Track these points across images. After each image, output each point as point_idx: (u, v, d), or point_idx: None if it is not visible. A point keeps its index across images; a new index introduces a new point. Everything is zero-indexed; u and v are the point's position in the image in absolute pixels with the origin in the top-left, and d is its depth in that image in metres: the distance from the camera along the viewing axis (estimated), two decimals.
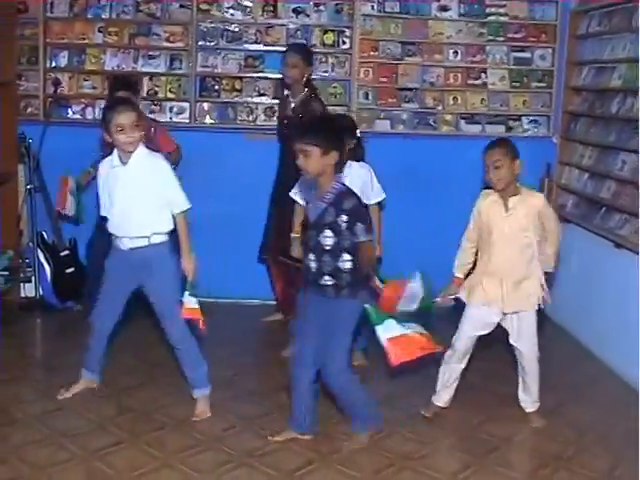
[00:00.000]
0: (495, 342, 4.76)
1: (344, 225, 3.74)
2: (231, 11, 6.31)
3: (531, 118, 6.46)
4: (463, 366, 4.39)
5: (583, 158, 5.88)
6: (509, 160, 4.08)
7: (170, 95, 6.34)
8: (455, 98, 6.42)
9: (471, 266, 4.37)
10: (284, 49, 5.74)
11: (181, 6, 6.28)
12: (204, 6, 6.27)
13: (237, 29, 6.34)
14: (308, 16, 6.34)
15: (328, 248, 3.77)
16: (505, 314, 4.26)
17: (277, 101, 6.12)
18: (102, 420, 4.22)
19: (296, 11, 6.33)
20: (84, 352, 4.57)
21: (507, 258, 4.16)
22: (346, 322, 3.86)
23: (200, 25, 6.29)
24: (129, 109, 4.13)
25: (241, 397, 4.59)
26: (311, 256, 3.83)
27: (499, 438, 4.20)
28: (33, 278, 6.02)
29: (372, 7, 6.31)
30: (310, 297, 3.90)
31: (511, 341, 4.33)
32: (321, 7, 6.33)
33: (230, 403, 4.50)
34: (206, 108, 6.39)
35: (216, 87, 6.38)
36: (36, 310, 5.96)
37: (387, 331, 3.77)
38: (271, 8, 6.31)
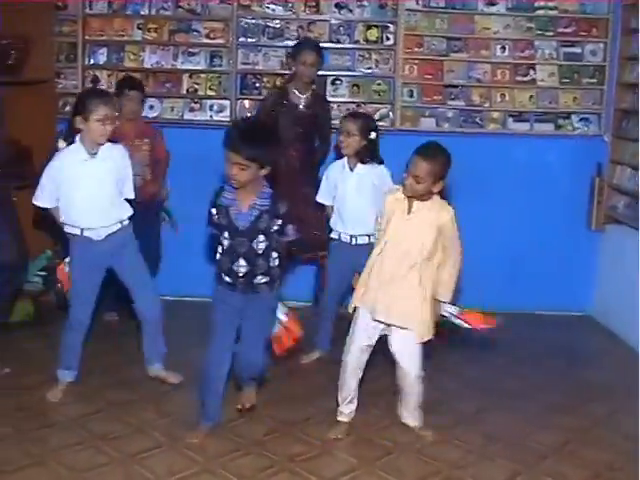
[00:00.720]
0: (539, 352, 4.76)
1: (276, 228, 3.90)
2: (272, 7, 6.31)
3: (581, 116, 6.38)
4: None
5: (636, 157, 5.81)
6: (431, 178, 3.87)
7: (210, 93, 6.35)
8: (502, 95, 6.37)
9: None
10: (296, 44, 5.79)
11: (221, 2, 6.29)
12: (245, 2, 6.28)
13: (278, 25, 6.34)
14: (351, 11, 6.32)
15: (261, 252, 3.91)
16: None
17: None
18: (141, 423, 4.24)
19: (339, 6, 6.31)
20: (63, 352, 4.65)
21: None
22: (272, 313, 4.13)
23: (241, 21, 6.30)
24: (113, 102, 4.33)
25: (281, 401, 4.59)
26: (242, 262, 3.91)
27: (548, 447, 4.15)
28: None
29: (417, 2, 6.26)
30: (236, 296, 3.99)
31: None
32: (364, 2, 6.30)
33: (270, 407, 4.50)
34: (247, 106, 6.38)
35: (257, 84, 6.39)
36: None
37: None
38: (313, 3, 6.30)
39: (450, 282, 4.03)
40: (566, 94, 6.39)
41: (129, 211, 4.51)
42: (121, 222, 4.46)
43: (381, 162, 4.90)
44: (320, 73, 5.87)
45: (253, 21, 6.33)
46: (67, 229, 4.41)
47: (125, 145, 5.48)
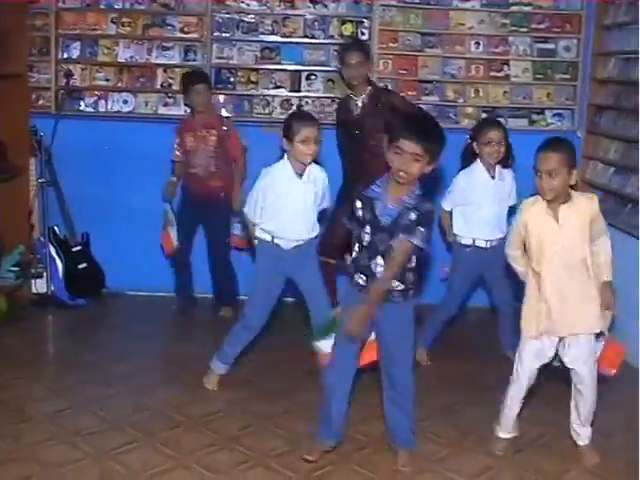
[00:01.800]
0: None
1: (408, 223, 3.59)
2: (247, 1, 6.30)
3: (555, 111, 6.44)
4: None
5: (609, 152, 5.87)
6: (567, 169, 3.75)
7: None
8: (477, 91, 6.41)
9: None
10: (340, 48, 5.73)
11: None
12: None
13: (253, 20, 6.34)
14: (326, 6, 6.33)
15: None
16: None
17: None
18: (116, 419, 4.24)
19: (313, 1, 6.32)
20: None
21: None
22: (409, 325, 3.82)
23: (215, 16, 6.30)
24: (315, 123, 4.43)
25: (257, 396, 4.61)
26: (379, 260, 3.66)
27: (523, 439, 4.18)
28: (45, 274, 6.05)
29: None
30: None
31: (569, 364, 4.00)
32: None
33: (245, 402, 4.52)
34: (221, 101, 6.39)
35: (231, 79, 6.39)
36: (47, 306, 6.00)
37: None
38: None
39: (608, 263, 3.95)
40: (540, 90, 6.44)
41: (317, 231, 4.73)
42: (310, 238, 4.67)
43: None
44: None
45: (227, 16, 6.32)
46: (259, 234, 4.62)
47: (192, 136, 5.57)
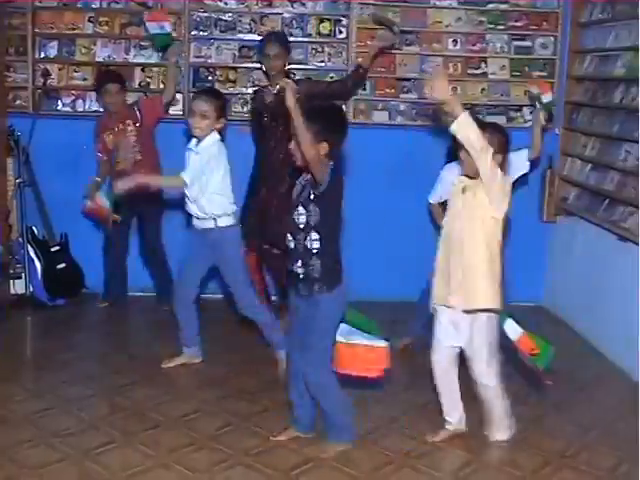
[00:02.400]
0: None
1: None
2: (225, 0, 6.30)
3: (532, 109, 6.44)
4: None
5: (586, 149, 5.88)
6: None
7: (162, 86, 6.28)
8: (454, 88, 6.38)
9: None
10: (261, 39, 5.74)
11: None
12: None
13: (231, 18, 6.32)
14: (304, 5, 6.33)
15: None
16: None
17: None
18: (94, 419, 4.22)
19: (292, 0, 6.32)
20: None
21: None
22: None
23: (193, 14, 6.28)
24: (206, 98, 4.66)
25: (235, 395, 4.59)
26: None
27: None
28: (23, 274, 6.02)
29: None
30: None
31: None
32: None
33: (224, 401, 4.50)
34: None
35: (210, 78, 6.38)
36: (26, 307, 5.96)
37: (341, 334, 3.83)
38: None
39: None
40: (517, 87, 6.45)
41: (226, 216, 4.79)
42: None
43: None
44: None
45: (205, 14, 6.31)
46: None
47: (111, 134, 5.60)
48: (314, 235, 3.69)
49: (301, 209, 3.70)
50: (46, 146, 5.99)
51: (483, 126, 3.89)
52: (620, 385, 4.95)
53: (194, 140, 4.69)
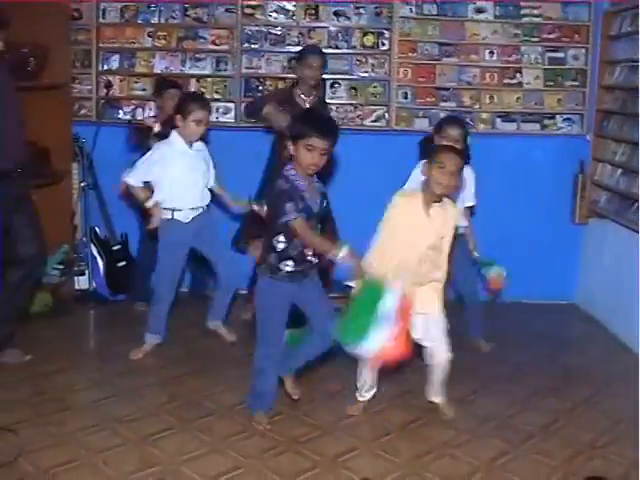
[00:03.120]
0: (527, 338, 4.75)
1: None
2: (274, 14, 6.32)
3: (565, 116, 6.39)
4: None
5: (616, 155, 5.83)
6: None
7: (216, 96, 6.34)
8: (491, 97, 6.38)
9: None
10: (302, 49, 5.74)
11: (227, 10, 6.30)
12: (249, 10, 6.29)
13: (280, 32, 6.35)
14: (349, 18, 6.33)
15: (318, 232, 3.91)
16: None
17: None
18: (154, 407, 4.26)
19: (337, 14, 6.32)
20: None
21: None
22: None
23: (245, 28, 6.31)
24: (208, 107, 4.91)
25: (283, 386, 4.61)
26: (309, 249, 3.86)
27: (535, 427, 4.17)
28: (87, 271, 6.09)
29: (410, 9, 6.27)
30: (294, 285, 3.92)
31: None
32: (361, 10, 6.31)
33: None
34: None
35: (260, 88, 6.40)
36: (89, 302, 6.03)
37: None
38: (313, 11, 6.32)
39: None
40: (550, 96, 6.39)
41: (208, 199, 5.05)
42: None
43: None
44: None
45: (256, 28, 6.33)
46: (162, 214, 4.88)
47: None
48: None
49: None
50: (108, 152, 6.03)
51: (441, 148, 4.01)
52: None
53: (184, 145, 4.85)
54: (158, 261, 4.99)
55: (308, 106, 5.49)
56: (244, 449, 3.80)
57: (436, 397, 4.29)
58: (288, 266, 3.85)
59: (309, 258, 3.86)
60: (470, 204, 5.05)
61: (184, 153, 4.84)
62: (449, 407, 4.28)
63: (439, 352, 4.14)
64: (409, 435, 4.03)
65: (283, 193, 3.75)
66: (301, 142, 3.71)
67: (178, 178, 4.81)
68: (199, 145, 4.95)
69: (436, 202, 3.92)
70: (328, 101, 6.18)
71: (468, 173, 4.83)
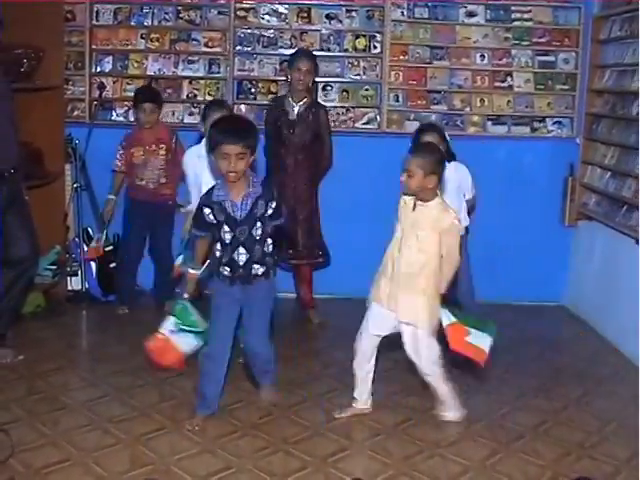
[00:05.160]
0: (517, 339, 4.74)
1: (271, 212, 3.91)
2: (267, 17, 6.32)
3: (555, 119, 6.41)
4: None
5: (605, 158, 5.84)
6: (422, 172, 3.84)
7: (209, 98, 6.32)
8: (482, 100, 6.39)
9: None
10: (293, 53, 5.75)
11: (219, 13, 6.31)
12: (241, 13, 6.30)
13: (272, 34, 6.36)
14: (341, 22, 6.34)
15: (258, 238, 3.91)
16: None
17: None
18: (145, 407, 4.26)
19: (329, 17, 6.33)
20: None
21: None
22: (270, 301, 4.12)
23: (237, 31, 6.32)
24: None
25: (277, 386, 4.60)
26: (242, 250, 3.90)
27: (524, 427, 4.18)
28: (79, 272, 6.08)
29: (402, 13, 6.29)
30: (235, 288, 3.98)
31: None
32: (353, 13, 6.33)
33: None
34: (243, 110, 6.40)
35: (252, 90, 6.41)
36: (82, 302, 6.02)
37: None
38: (305, 14, 6.33)
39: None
40: (541, 99, 6.41)
41: None
42: None
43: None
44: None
45: (249, 31, 6.34)
46: None
47: (141, 150, 5.59)
48: None
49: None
50: (101, 153, 6.02)
51: (419, 148, 4.07)
52: (636, 380, 4.90)
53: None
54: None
55: (297, 110, 5.50)
56: (235, 449, 3.80)
57: (442, 412, 4.23)
58: (226, 271, 3.96)
59: (248, 267, 3.94)
60: (469, 197, 5.09)
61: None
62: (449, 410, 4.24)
63: (418, 368, 4.12)
64: (399, 435, 4.03)
65: (196, 210, 3.99)
66: (216, 153, 3.77)
67: (209, 182, 4.73)
68: None
69: (420, 201, 3.94)
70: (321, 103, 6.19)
71: (460, 170, 4.98)
